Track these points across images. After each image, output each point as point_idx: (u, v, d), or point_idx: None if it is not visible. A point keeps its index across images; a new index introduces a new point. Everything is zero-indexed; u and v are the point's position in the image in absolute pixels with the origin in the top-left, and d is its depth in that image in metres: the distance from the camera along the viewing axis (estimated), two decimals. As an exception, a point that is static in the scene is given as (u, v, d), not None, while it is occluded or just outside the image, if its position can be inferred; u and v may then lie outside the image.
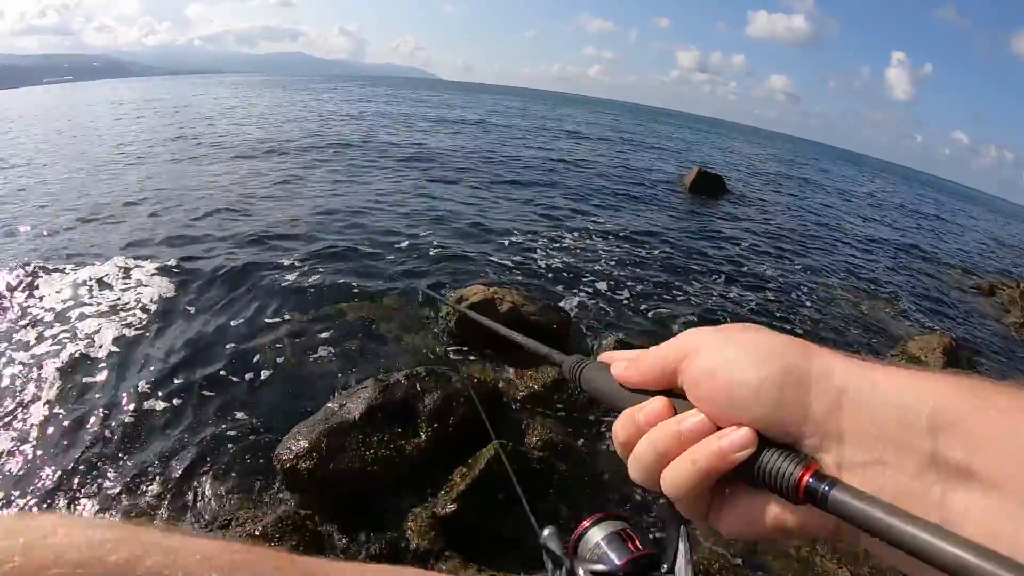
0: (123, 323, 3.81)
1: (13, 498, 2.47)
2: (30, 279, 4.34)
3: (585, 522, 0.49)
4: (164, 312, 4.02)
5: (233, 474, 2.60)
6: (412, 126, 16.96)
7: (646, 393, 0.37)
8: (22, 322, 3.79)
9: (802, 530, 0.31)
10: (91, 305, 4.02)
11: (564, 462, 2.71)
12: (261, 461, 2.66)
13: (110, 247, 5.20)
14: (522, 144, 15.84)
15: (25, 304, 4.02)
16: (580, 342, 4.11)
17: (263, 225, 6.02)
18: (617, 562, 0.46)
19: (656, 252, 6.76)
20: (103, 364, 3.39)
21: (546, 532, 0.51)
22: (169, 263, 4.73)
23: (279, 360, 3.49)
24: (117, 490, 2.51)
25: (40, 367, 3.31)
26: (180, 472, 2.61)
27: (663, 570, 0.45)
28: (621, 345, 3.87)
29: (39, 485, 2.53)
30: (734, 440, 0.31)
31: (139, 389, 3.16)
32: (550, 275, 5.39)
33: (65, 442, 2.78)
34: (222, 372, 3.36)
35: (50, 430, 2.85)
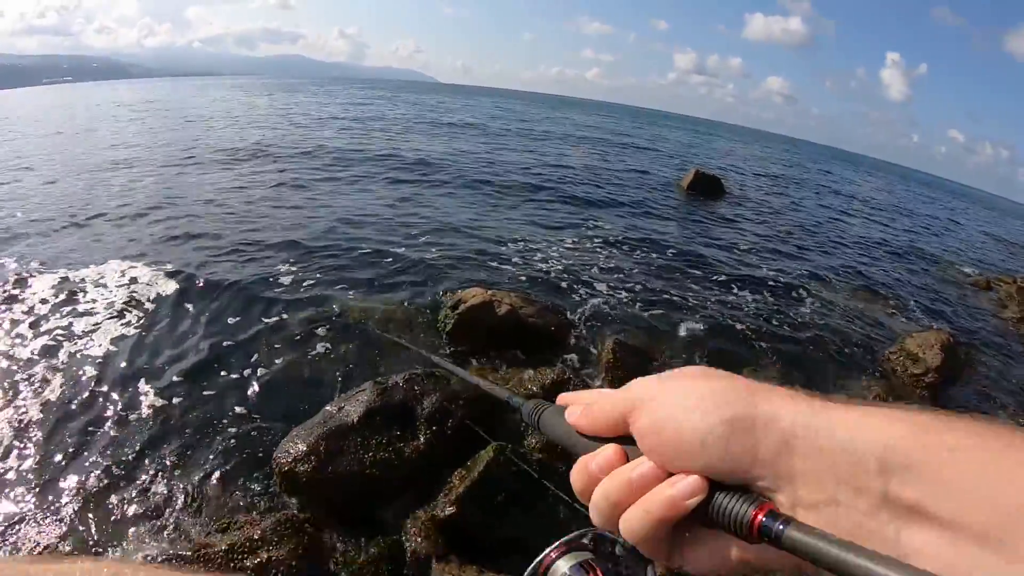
0: (119, 327, 3.81)
1: (7, 500, 2.46)
2: (27, 281, 4.34)
3: (552, 553, 0.50)
4: (161, 316, 4.01)
5: (231, 477, 2.60)
6: (410, 129, 16.96)
7: (599, 441, 0.38)
8: (17, 325, 3.78)
9: (765, 567, 0.32)
10: (86, 308, 4.02)
11: (564, 463, 2.72)
12: (259, 464, 2.66)
13: (106, 250, 5.19)
14: (520, 147, 15.85)
15: (22, 306, 4.01)
16: (579, 343, 4.11)
17: (261, 228, 6.02)
18: None
19: (654, 253, 6.77)
20: (100, 367, 3.39)
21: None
22: (167, 267, 4.73)
23: (277, 363, 3.49)
24: (115, 492, 2.51)
25: (35, 369, 3.30)
26: (178, 475, 2.61)
27: None
28: (620, 346, 3.87)
29: (33, 489, 2.52)
30: (683, 489, 0.32)
31: (136, 392, 3.16)
32: (548, 277, 5.39)
33: (63, 444, 2.77)
34: (220, 375, 3.36)
35: (48, 432, 2.84)
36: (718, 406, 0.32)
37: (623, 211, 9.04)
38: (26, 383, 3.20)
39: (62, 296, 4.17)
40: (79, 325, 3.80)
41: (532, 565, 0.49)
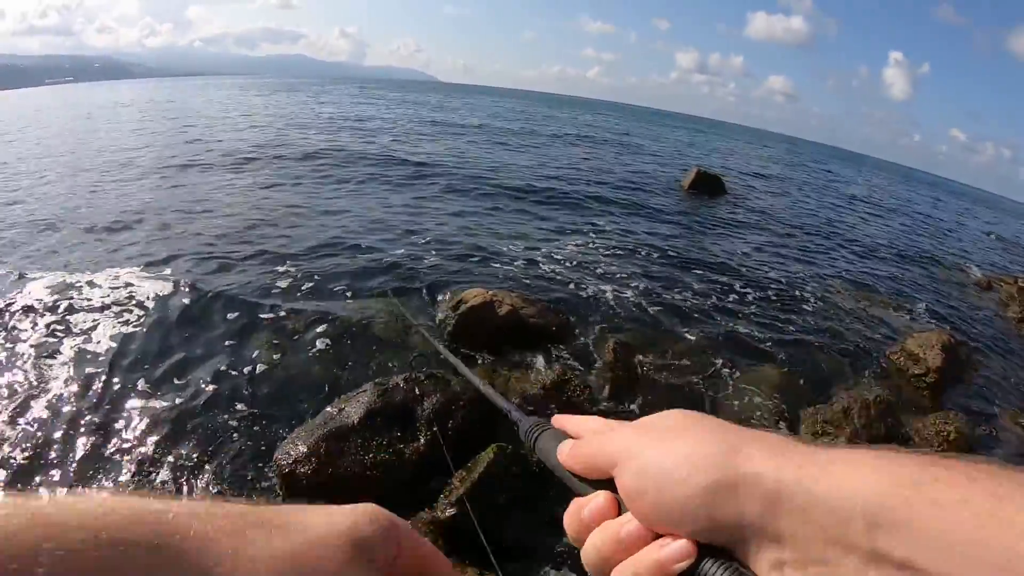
0: (119, 328, 3.81)
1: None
2: (28, 282, 4.34)
3: None
4: (161, 317, 4.01)
5: (231, 478, 2.61)
6: (411, 131, 16.96)
7: (590, 484, 0.38)
8: (18, 324, 3.78)
9: None
10: (86, 309, 4.02)
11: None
12: (260, 466, 2.66)
13: (105, 252, 5.20)
14: (521, 146, 15.85)
15: (22, 307, 4.01)
16: (580, 343, 4.11)
17: (262, 229, 6.03)
18: None
19: (655, 253, 6.76)
20: (99, 368, 3.38)
21: None
22: (166, 268, 4.74)
23: (277, 365, 3.50)
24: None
25: (34, 371, 3.30)
26: (178, 476, 2.61)
27: None
28: (621, 346, 3.87)
29: (33, 490, 2.53)
30: (670, 555, 0.32)
31: (135, 393, 3.16)
32: (549, 277, 5.39)
33: (62, 445, 2.77)
34: (220, 377, 3.36)
35: (47, 434, 2.84)
36: (699, 470, 0.32)
37: (625, 211, 9.04)
38: (24, 386, 3.20)
39: (61, 297, 4.17)
40: (78, 327, 3.80)
41: None
